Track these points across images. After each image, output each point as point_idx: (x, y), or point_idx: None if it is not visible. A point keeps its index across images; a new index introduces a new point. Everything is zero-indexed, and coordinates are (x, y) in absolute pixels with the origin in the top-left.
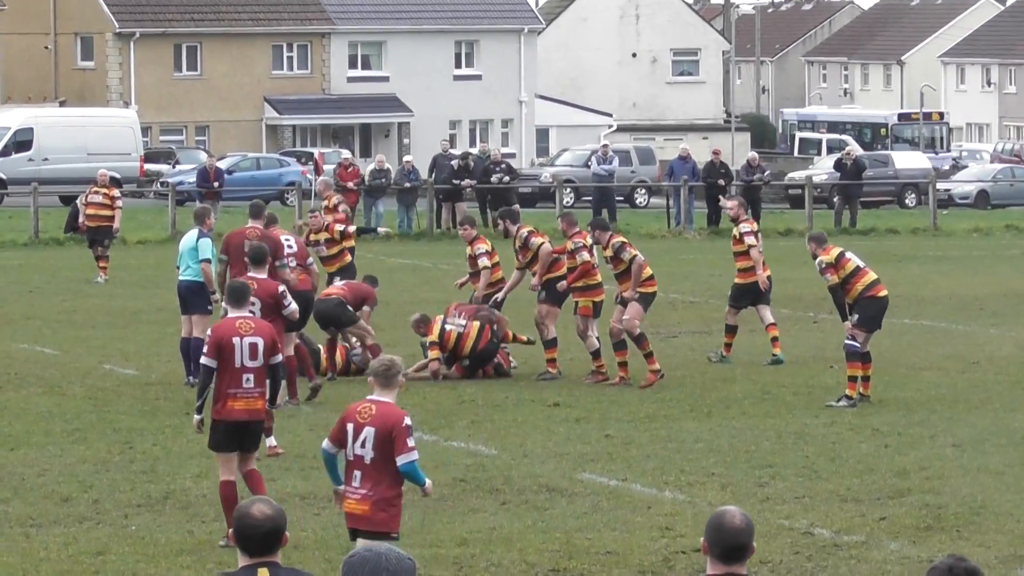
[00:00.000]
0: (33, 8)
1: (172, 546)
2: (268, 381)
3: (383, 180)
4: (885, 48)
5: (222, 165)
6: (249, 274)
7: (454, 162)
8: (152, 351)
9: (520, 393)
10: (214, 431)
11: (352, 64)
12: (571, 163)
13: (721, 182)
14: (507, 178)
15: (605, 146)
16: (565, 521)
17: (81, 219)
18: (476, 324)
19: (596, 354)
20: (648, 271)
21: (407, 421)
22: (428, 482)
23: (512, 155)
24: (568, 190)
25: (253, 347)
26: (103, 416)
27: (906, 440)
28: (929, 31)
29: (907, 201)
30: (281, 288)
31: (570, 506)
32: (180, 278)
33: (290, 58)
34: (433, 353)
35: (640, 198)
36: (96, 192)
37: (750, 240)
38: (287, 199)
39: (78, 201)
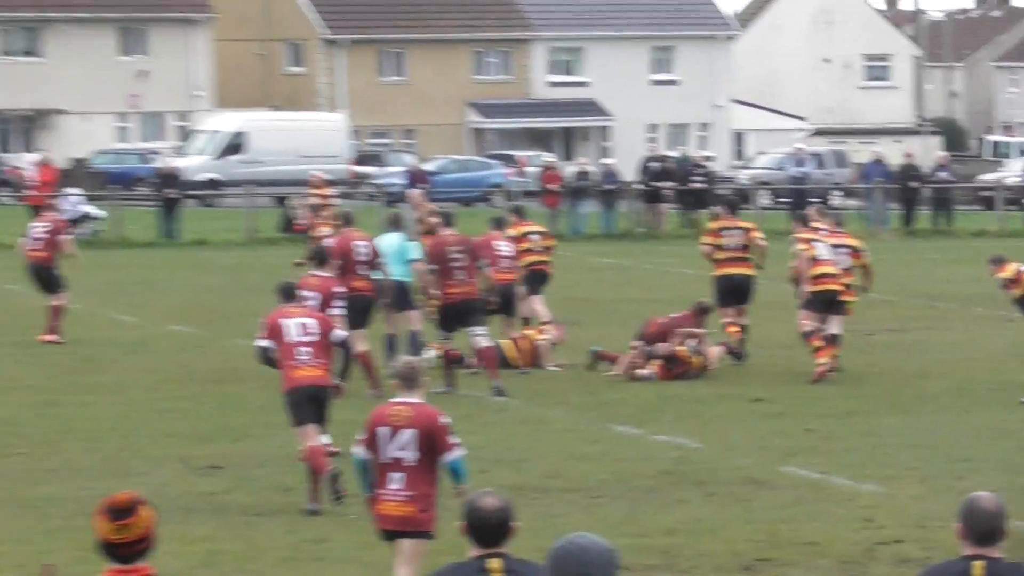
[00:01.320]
0: (245, 16)
1: None
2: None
3: (585, 182)
4: None
5: (428, 168)
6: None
7: (656, 165)
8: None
9: (722, 389)
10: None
11: (552, 69)
12: (767, 166)
13: (913, 184)
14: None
15: (799, 149)
16: (768, 512)
17: (301, 220)
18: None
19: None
20: (820, 269)
21: (444, 419)
22: (466, 484)
23: (710, 158)
24: (765, 192)
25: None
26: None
27: None
28: None
29: None
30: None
31: (773, 498)
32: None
33: (492, 63)
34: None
35: (836, 199)
36: (312, 195)
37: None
38: (491, 200)
39: (288, 202)
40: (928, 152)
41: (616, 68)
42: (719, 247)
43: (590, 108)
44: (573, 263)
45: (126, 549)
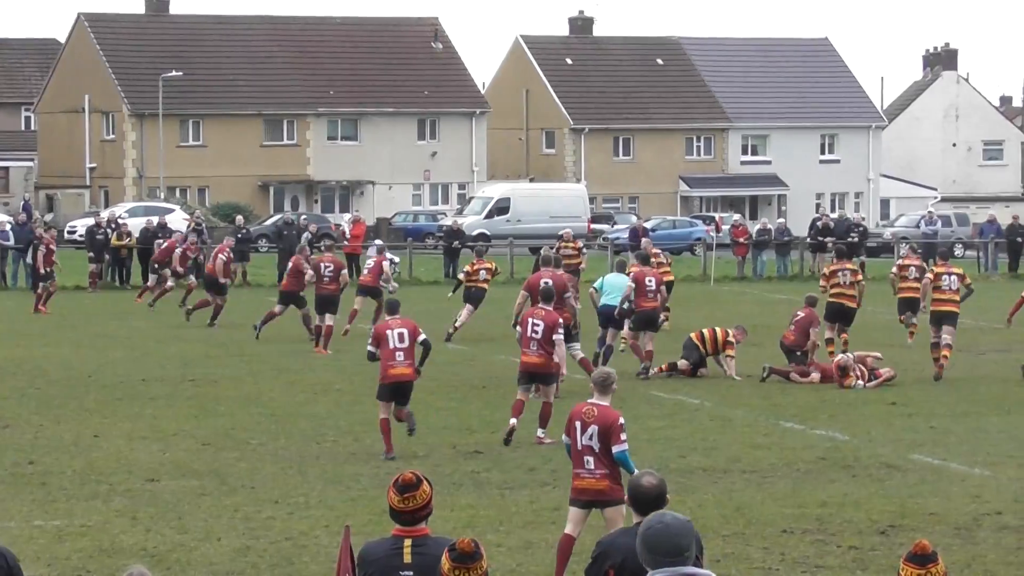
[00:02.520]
0: (512, 110)
1: None
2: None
3: (766, 237)
4: None
5: (648, 225)
6: (540, 306)
7: (819, 223)
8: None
9: (866, 395)
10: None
11: (744, 151)
12: (906, 225)
13: (1019, 239)
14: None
15: (930, 212)
16: (899, 490)
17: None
18: None
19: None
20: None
21: (621, 420)
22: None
23: (863, 219)
24: (904, 244)
25: (400, 335)
26: (559, 408)
27: None
28: None
29: None
30: (561, 320)
31: (903, 479)
32: (604, 303)
33: (699, 147)
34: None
35: (958, 251)
36: (565, 246)
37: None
38: (695, 250)
39: (542, 251)
40: None
41: (792, 150)
42: (835, 283)
43: (772, 181)
44: (755, 299)
45: (409, 515)
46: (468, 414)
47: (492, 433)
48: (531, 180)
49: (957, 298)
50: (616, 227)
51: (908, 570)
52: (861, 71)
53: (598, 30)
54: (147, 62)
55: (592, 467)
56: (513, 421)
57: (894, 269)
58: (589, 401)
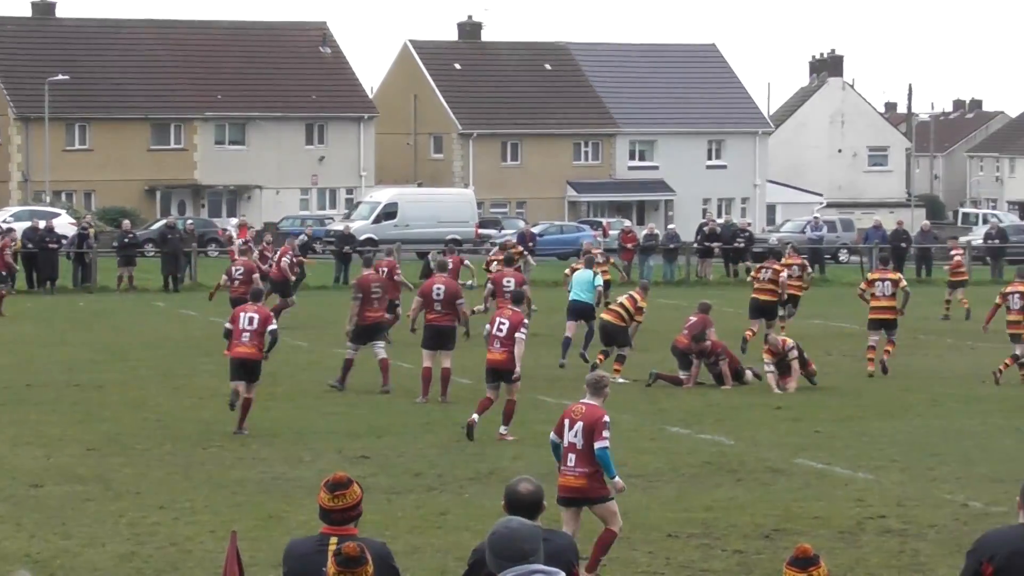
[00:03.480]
0: (400, 115)
1: (496, 509)
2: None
3: (653, 242)
4: None
5: (535, 230)
6: (509, 306)
7: (706, 228)
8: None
9: (752, 399)
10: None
11: (632, 157)
12: (792, 230)
13: (903, 244)
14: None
15: (816, 218)
16: (784, 494)
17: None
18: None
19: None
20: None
21: (606, 418)
22: (617, 480)
23: (749, 224)
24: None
25: (251, 319)
26: (446, 413)
27: None
28: None
29: None
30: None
31: (788, 483)
32: (574, 298)
33: (586, 152)
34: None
35: (843, 256)
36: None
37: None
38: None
39: (431, 255)
40: (915, 220)
41: (680, 155)
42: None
43: (659, 186)
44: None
45: (339, 514)
46: (355, 419)
47: (379, 438)
48: (419, 185)
49: (894, 304)
50: (504, 232)
51: (791, 574)
52: (748, 77)
53: (487, 35)
54: (33, 65)
55: (572, 464)
56: (474, 416)
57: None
58: (581, 401)
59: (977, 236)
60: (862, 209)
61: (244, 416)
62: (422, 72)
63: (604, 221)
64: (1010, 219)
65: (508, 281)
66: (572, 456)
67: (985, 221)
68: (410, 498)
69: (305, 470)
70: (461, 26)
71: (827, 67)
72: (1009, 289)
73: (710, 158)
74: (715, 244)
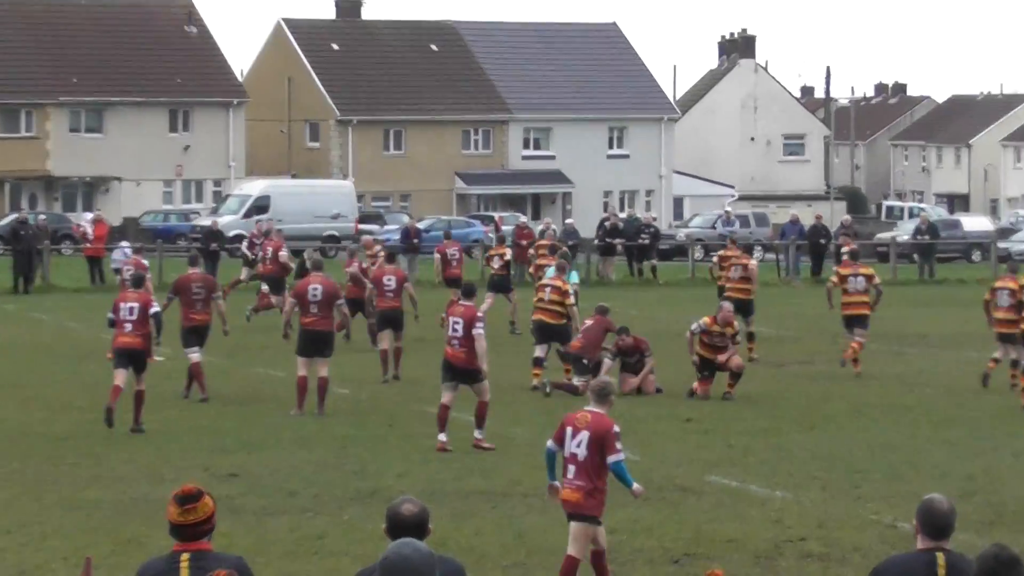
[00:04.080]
0: (272, 100)
1: (378, 532)
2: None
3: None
4: (955, 134)
5: (421, 226)
6: (461, 302)
7: (607, 223)
8: (364, 374)
9: (659, 410)
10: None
11: (526, 145)
12: (701, 225)
13: (822, 240)
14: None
15: (728, 212)
16: (694, 515)
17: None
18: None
19: None
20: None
21: (616, 428)
22: (636, 485)
23: (654, 219)
24: (699, 247)
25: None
26: (323, 427)
27: (972, 450)
28: (992, 120)
29: (973, 257)
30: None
31: (699, 503)
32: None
33: (476, 140)
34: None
35: (757, 253)
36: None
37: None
38: (472, 253)
39: (306, 253)
40: (834, 215)
41: (578, 144)
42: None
43: (556, 177)
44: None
45: (190, 529)
46: (223, 433)
47: (249, 454)
48: (293, 176)
49: (866, 299)
50: (386, 228)
51: None
52: (652, 59)
53: (367, 13)
54: None
55: (572, 476)
56: (442, 437)
57: (715, 259)
58: (586, 408)
59: (903, 232)
60: (777, 202)
61: (139, 411)
62: (297, 53)
63: (496, 216)
64: (938, 212)
65: (389, 279)
66: (572, 468)
67: (911, 215)
68: (284, 520)
69: (168, 489)
70: (339, 4)
71: (738, 48)
72: (998, 285)
73: (611, 147)
74: (617, 241)
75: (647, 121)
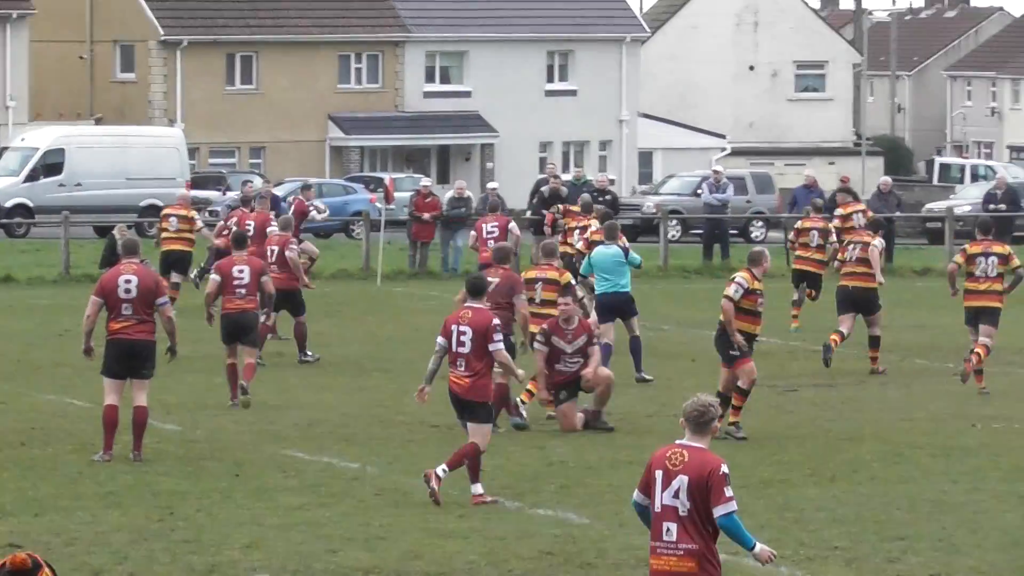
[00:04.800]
0: (69, 13)
1: None
2: None
3: (463, 209)
4: None
5: (279, 192)
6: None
7: (545, 188)
8: (198, 404)
9: (615, 453)
10: None
11: (429, 77)
12: (678, 191)
13: None
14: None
15: (717, 172)
16: None
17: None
18: None
19: None
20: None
21: (724, 469)
22: (759, 548)
23: (611, 181)
24: (674, 222)
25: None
26: (141, 478)
27: None
28: None
29: None
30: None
31: None
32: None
33: (359, 70)
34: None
35: (756, 231)
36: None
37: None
38: (353, 231)
39: (114, 233)
40: (868, 176)
41: (504, 76)
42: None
43: (473, 123)
44: (440, 305)
45: None
46: None
47: (36, 516)
48: (98, 121)
49: (999, 287)
50: (229, 194)
51: None
52: None
53: None
54: None
55: (673, 539)
56: (476, 489)
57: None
58: (678, 442)
59: (964, 200)
60: (786, 158)
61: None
62: None
63: (387, 177)
64: (1013, 172)
65: (240, 271)
66: (671, 527)
67: (976, 176)
68: None
69: None
70: None
71: None
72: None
73: (551, 79)
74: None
75: (602, 43)
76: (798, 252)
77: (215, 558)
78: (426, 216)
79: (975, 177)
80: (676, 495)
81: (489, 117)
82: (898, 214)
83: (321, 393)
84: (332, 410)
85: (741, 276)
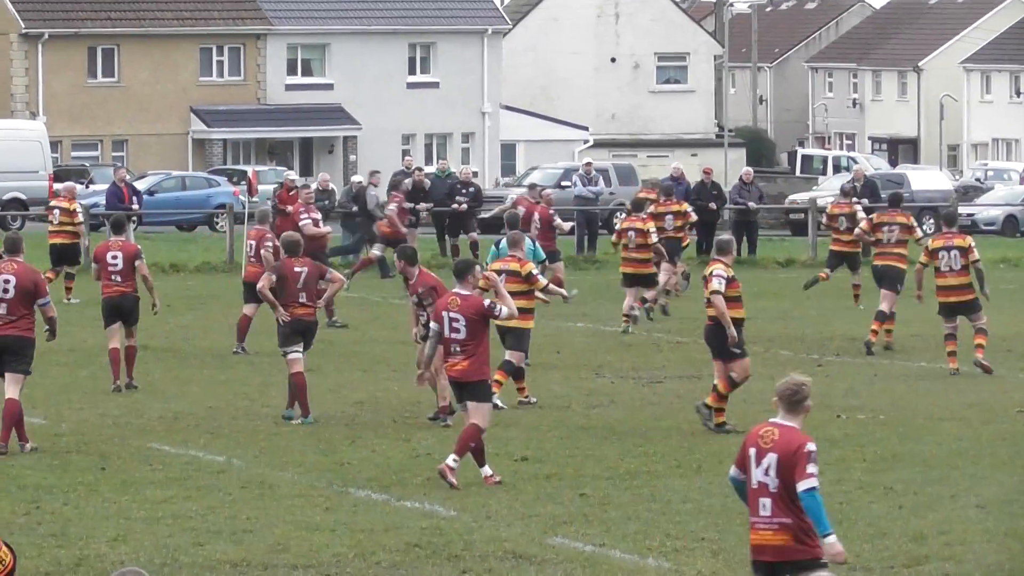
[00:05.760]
0: None
1: None
2: None
3: (326, 202)
4: (900, 53)
5: (142, 185)
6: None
7: (407, 181)
8: (62, 397)
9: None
10: None
11: (291, 70)
12: (545, 183)
13: (713, 205)
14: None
15: (588, 164)
16: None
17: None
18: None
19: None
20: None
21: (810, 446)
22: (832, 540)
23: (474, 174)
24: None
25: None
26: (5, 471)
27: (923, 500)
28: (950, 34)
29: (924, 227)
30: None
31: (540, 575)
32: None
33: (220, 63)
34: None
35: (618, 222)
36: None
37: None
38: (217, 224)
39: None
40: (730, 167)
41: (366, 68)
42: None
43: (335, 115)
44: None
45: None
46: None
47: None
48: None
49: (967, 280)
50: (93, 188)
51: None
52: None
53: None
54: None
55: (768, 513)
56: (485, 471)
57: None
58: (771, 420)
59: (826, 191)
60: (648, 150)
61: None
62: None
63: (250, 170)
64: (874, 164)
65: (115, 257)
66: (766, 502)
67: (839, 168)
68: None
69: None
70: None
71: None
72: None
73: (413, 72)
74: (422, 205)
75: (464, 35)
76: (833, 236)
77: (82, 552)
78: (289, 209)
79: (837, 168)
80: (767, 472)
81: (351, 109)
82: (760, 205)
83: (186, 386)
84: (197, 403)
85: (719, 267)
